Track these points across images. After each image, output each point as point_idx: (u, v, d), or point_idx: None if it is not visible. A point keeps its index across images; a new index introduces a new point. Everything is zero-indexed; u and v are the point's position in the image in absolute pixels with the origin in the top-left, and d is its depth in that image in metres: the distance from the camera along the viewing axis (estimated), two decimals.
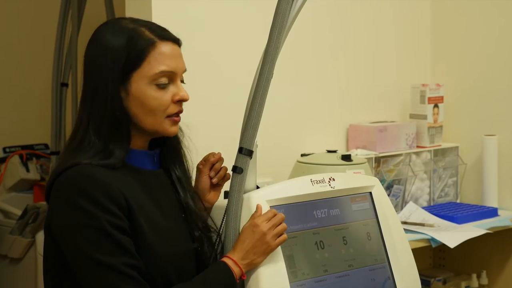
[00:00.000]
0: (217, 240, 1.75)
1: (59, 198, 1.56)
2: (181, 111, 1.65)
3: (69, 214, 1.52)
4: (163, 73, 1.60)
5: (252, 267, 1.67)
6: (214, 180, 1.83)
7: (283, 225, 1.70)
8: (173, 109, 1.63)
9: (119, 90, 1.59)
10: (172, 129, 1.65)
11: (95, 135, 1.59)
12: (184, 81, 1.69)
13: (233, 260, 1.64)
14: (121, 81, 1.59)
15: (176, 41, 1.65)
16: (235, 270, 1.63)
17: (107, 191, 1.52)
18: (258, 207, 1.71)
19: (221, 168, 1.84)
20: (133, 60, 1.58)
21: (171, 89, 1.62)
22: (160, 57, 1.60)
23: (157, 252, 1.58)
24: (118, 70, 1.58)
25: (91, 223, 1.50)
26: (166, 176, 1.72)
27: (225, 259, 1.64)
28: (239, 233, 1.69)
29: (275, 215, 1.70)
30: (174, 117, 1.64)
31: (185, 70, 1.67)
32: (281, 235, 1.69)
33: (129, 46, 1.58)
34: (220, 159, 1.84)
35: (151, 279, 1.56)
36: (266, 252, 1.67)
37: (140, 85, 1.59)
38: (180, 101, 1.64)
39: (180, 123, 1.71)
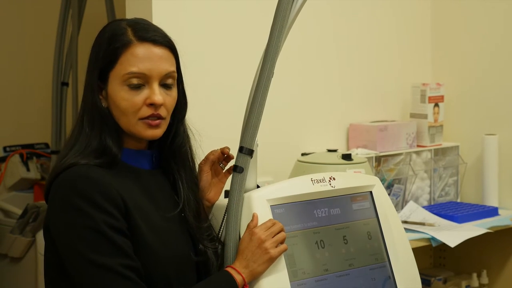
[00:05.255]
0: (217, 239, 1.75)
1: (57, 199, 1.55)
2: (155, 115, 1.59)
3: (67, 215, 1.52)
4: (133, 74, 1.57)
5: (255, 276, 1.65)
6: (222, 165, 1.80)
7: (283, 233, 1.68)
8: (145, 112, 1.58)
9: (101, 89, 1.60)
10: (147, 133, 1.60)
11: (89, 133, 1.59)
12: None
13: (235, 269, 1.63)
14: (102, 80, 1.60)
15: (159, 43, 1.60)
16: (237, 278, 1.62)
17: (104, 191, 1.52)
18: (254, 216, 1.70)
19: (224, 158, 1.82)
20: (107, 59, 1.58)
21: (145, 91, 1.59)
22: (132, 58, 1.57)
23: (155, 252, 1.57)
24: (98, 68, 1.59)
25: (88, 224, 1.50)
26: (166, 177, 1.71)
27: (227, 268, 1.64)
28: (239, 236, 1.69)
29: (274, 224, 1.69)
30: (149, 120, 1.59)
31: (170, 72, 1.61)
32: (282, 244, 1.68)
33: (108, 45, 1.59)
34: (220, 156, 1.83)
35: (150, 280, 1.55)
36: (266, 260, 1.65)
37: (113, 86, 1.59)
38: (152, 105, 1.58)
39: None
